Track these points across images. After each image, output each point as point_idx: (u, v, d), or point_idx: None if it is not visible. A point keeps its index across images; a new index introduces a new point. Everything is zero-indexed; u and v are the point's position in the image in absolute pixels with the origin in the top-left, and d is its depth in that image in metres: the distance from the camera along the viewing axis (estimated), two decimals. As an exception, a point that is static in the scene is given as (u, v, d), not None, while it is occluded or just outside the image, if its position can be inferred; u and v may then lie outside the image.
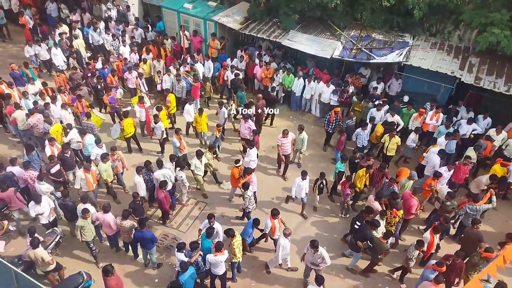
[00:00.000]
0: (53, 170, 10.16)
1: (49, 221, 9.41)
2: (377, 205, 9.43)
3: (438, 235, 8.78)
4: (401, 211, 9.34)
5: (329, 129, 12.40)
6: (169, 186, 10.23)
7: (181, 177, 10.26)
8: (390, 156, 11.70)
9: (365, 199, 11.30)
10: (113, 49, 15.74)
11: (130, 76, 13.85)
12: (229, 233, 8.38)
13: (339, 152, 12.04)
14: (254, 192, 10.48)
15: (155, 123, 11.78)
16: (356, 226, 9.12)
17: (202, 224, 9.12)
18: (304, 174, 9.92)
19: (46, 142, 10.64)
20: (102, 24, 16.71)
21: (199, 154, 10.45)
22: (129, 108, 13.23)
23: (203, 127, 12.49)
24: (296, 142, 11.70)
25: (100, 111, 13.74)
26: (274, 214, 8.96)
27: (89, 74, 13.81)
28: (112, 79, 13.62)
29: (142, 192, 9.96)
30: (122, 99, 14.02)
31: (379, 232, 8.84)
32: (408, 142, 11.58)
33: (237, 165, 10.35)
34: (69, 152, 10.09)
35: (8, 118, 12.18)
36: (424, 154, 11.27)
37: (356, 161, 11.10)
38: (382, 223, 8.99)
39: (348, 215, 10.79)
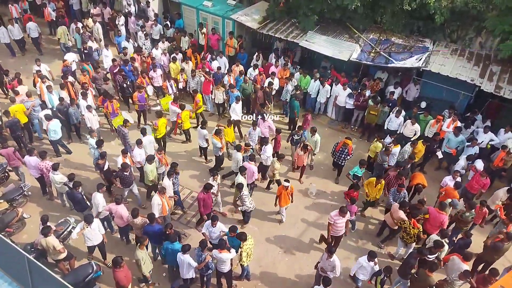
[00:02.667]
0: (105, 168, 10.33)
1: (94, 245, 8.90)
2: (401, 214, 9.09)
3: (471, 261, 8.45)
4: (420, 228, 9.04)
5: (334, 158, 11.44)
6: (150, 150, 10.84)
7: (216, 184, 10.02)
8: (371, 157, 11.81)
9: (377, 205, 11.15)
10: (144, 48, 15.77)
11: (155, 75, 13.87)
12: (241, 237, 8.25)
13: (306, 130, 12.25)
14: (251, 184, 10.71)
15: (202, 128, 11.43)
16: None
17: (204, 228, 8.96)
18: (372, 256, 8.16)
19: (120, 157, 10.33)
20: (122, 19, 16.91)
21: (243, 171, 10.01)
22: (158, 108, 13.28)
23: (230, 137, 11.88)
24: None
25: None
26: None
27: (115, 71, 13.84)
28: (142, 80, 13.54)
29: (170, 192, 9.78)
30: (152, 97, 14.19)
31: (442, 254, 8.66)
32: (457, 168, 10.85)
33: (287, 185, 9.78)
34: (129, 170, 10.00)
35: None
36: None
37: (384, 164, 10.99)
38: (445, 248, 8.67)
39: (354, 230, 10.53)
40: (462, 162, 10.95)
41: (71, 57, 14.78)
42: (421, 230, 9.02)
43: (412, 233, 8.99)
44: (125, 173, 9.83)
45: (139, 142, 10.57)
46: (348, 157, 11.22)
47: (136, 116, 13.37)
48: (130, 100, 13.82)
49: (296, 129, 11.74)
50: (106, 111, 12.54)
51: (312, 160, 12.23)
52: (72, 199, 9.58)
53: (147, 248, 9.26)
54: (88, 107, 11.99)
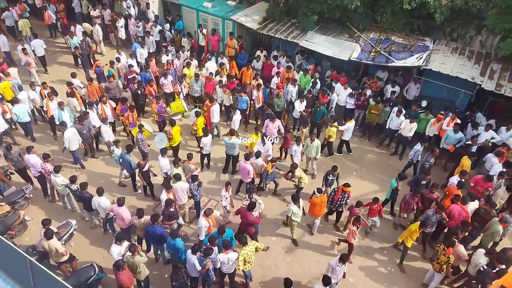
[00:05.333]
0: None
1: None
2: (461, 249, 8.51)
3: None
4: (453, 258, 8.32)
5: (332, 207, 10.16)
6: (75, 144, 11.12)
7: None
8: (331, 142, 12.32)
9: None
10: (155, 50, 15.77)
11: (166, 82, 13.63)
12: (241, 240, 8.23)
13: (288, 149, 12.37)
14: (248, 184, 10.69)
15: (205, 136, 11.27)
16: (481, 268, 8.22)
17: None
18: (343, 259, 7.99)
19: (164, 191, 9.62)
20: (122, 21, 16.93)
21: (295, 199, 9.37)
22: (179, 116, 13.14)
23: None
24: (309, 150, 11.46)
25: (138, 116, 13.36)
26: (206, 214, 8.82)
27: (130, 76, 13.54)
28: (150, 89, 13.26)
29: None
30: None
31: None
32: (492, 172, 10.45)
33: (319, 194, 9.42)
34: (174, 205, 9.28)
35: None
36: (341, 127, 11.94)
37: (423, 182, 10.38)
38: None
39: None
40: (497, 167, 10.55)
41: (38, 43, 15.20)
42: (451, 261, 8.31)
43: (440, 259, 8.40)
44: (170, 209, 9.20)
45: (164, 152, 10.51)
46: (348, 200, 10.06)
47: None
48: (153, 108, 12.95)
49: (331, 168, 10.60)
50: (125, 121, 12.23)
51: (314, 170, 11.95)
52: (81, 200, 9.66)
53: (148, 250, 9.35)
54: (104, 120, 11.69)
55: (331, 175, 10.60)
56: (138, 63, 14.86)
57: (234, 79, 13.73)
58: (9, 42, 15.80)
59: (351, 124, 12.06)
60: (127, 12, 17.35)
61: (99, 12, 17.55)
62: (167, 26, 16.85)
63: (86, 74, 15.24)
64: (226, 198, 9.85)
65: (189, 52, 15.42)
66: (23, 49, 14.32)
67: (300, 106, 12.72)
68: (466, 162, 10.72)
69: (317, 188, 9.56)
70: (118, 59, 14.43)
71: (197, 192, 9.90)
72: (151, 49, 16.04)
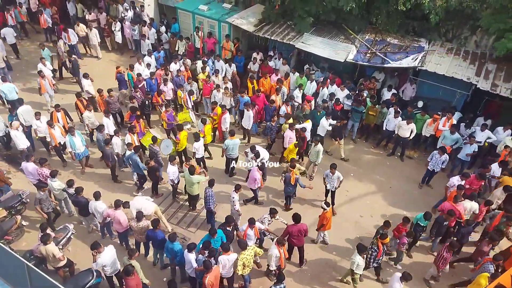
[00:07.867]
0: None
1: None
2: None
3: None
4: None
5: (373, 263, 8.71)
6: (29, 117, 11.56)
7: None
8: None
9: None
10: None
11: (166, 89, 13.34)
12: (241, 245, 8.18)
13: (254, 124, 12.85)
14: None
15: (196, 141, 11.07)
16: None
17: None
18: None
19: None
20: (118, 25, 16.89)
21: (361, 250, 8.21)
22: (189, 126, 12.95)
23: (293, 154, 11.40)
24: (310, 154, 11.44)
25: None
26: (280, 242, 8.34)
27: (140, 85, 13.32)
28: (157, 98, 12.99)
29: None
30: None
31: None
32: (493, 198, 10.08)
33: (327, 208, 9.28)
34: (232, 225, 8.90)
35: None
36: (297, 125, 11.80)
37: (445, 223, 9.23)
38: None
39: (398, 266, 9.58)
40: (498, 193, 10.07)
41: (9, 31, 15.63)
42: None
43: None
44: (227, 228, 8.81)
45: (172, 159, 10.41)
46: (388, 249, 9.26)
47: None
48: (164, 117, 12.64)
49: (383, 224, 9.18)
50: (134, 130, 11.79)
51: (313, 171, 11.83)
52: (77, 204, 9.64)
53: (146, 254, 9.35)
54: (116, 132, 11.40)
55: (381, 230, 9.14)
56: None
57: (260, 93, 13.23)
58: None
59: (307, 124, 11.82)
60: (123, 15, 17.32)
61: (95, 15, 17.50)
62: (163, 28, 16.84)
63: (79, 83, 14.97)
64: (238, 201, 9.64)
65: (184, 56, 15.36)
66: (39, 72, 13.28)
67: (325, 124, 12.07)
68: (509, 180, 10.13)
69: (324, 202, 9.44)
70: (132, 67, 14.12)
71: (210, 201, 9.73)
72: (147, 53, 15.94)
